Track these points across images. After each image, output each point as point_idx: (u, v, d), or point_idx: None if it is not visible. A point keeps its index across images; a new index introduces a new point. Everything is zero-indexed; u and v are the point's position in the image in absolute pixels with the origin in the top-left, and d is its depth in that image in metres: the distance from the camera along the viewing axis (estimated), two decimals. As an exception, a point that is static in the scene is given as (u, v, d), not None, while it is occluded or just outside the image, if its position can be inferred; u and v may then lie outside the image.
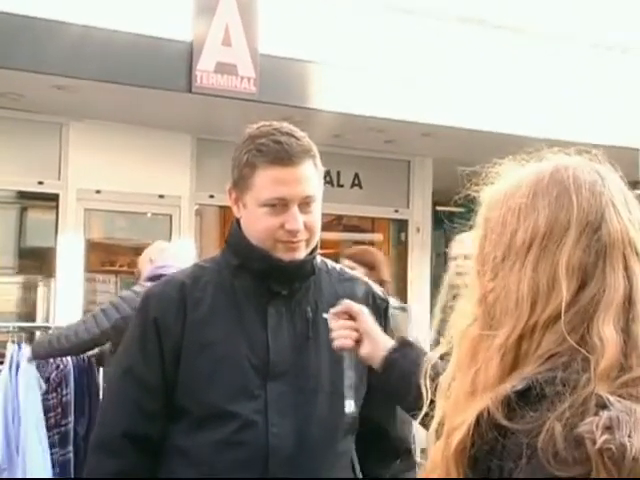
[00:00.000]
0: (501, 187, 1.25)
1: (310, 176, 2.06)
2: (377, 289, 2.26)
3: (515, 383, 1.10)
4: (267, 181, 2.02)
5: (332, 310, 1.98)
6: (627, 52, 8.82)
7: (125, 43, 6.41)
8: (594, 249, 1.15)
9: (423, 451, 7.82)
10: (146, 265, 4.78)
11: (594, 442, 1.00)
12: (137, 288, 4.68)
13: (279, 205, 2.02)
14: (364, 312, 1.97)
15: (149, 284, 4.53)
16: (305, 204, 2.05)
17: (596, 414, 1.03)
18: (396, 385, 1.89)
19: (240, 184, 2.08)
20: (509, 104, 7.97)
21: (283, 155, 2.02)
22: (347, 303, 1.97)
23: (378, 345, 1.92)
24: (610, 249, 1.15)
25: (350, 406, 1.85)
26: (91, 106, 7.24)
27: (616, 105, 8.41)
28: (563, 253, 1.14)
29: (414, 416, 1.44)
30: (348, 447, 2.16)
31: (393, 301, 3.39)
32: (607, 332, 1.10)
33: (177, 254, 4.84)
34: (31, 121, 7.46)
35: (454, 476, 1.12)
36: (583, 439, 1.01)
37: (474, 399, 1.14)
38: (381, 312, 2.15)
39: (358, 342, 1.92)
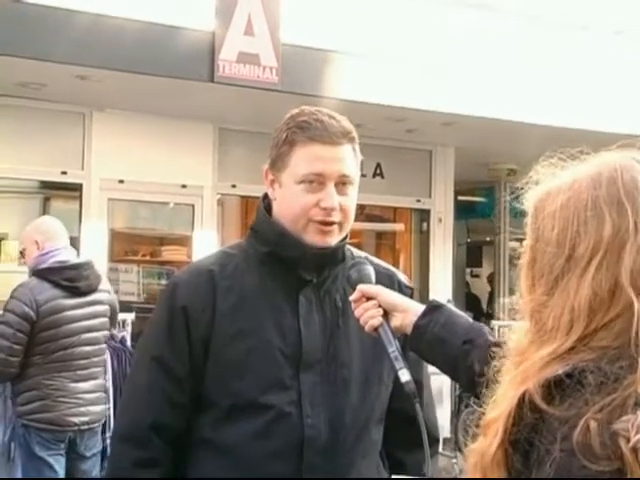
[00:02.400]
0: (551, 196, 1.22)
1: (348, 157, 2.05)
2: (402, 276, 2.25)
3: (559, 367, 1.10)
4: (305, 157, 2.01)
5: (350, 298, 1.96)
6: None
7: (148, 33, 6.43)
8: None
9: (445, 442, 7.82)
10: (32, 247, 4.68)
11: (628, 440, 1.00)
12: (27, 282, 4.66)
13: (316, 182, 2.00)
14: (380, 288, 1.95)
15: (33, 280, 4.59)
16: (342, 184, 2.03)
17: (634, 412, 1.03)
18: (428, 350, 1.87)
19: (278, 163, 2.06)
20: (530, 93, 7.92)
21: (323, 133, 2.01)
22: (360, 287, 1.94)
23: (409, 313, 1.90)
24: None
25: (405, 375, 1.82)
26: (114, 96, 7.27)
27: (637, 93, 8.34)
28: (625, 261, 1.13)
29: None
30: (379, 436, 2.15)
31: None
32: None
33: (58, 232, 4.79)
34: (54, 111, 7.49)
35: (496, 461, 1.12)
36: (618, 436, 1.01)
37: (515, 387, 1.13)
38: None
39: (386, 317, 1.90)
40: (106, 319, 4.86)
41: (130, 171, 7.73)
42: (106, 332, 4.91)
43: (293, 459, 1.97)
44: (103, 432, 5.00)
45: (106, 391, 5.12)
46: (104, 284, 4.97)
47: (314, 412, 1.99)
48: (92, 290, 4.78)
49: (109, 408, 5.19)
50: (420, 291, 9.36)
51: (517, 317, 1.27)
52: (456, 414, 8.48)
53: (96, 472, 4.87)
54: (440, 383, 7.43)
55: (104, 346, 4.94)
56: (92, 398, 4.77)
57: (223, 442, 2.00)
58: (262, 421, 1.97)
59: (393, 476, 2.19)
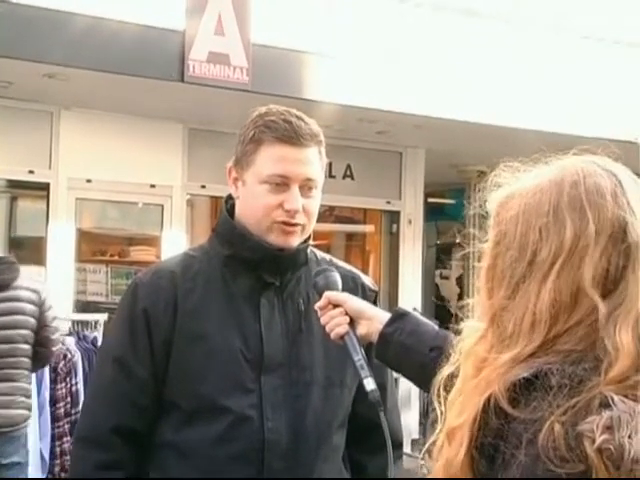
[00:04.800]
0: (513, 199, 1.22)
1: (314, 160, 2.04)
2: (366, 279, 2.24)
3: (523, 370, 1.10)
4: (271, 157, 2.00)
5: (315, 306, 1.95)
6: (633, 46, 8.81)
7: (117, 32, 6.38)
8: (618, 258, 1.14)
9: (413, 443, 7.83)
10: None
11: (593, 441, 1.00)
12: None
13: (280, 183, 2.00)
14: (347, 296, 1.94)
15: None
16: (306, 187, 2.03)
17: (598, 413, 1.03)
18: (395, 358, 1.86)
19: (242, 160, 2.05)
20: (502, 97, 7.96)
21: (291, 134, 2.00)
22: (327, 295, 1.93)
23: (374, 321, 1.89)
24: (634, 256, 1.14)
25: (370, 384, 1.81)
26: (82, 95, 7.21)
27: (615, 98, 8.41)
28: (588, 265, 1.12)
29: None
30: (342, 440, 2.14)
31: None
32: (624, 339, 1.09)
33: None
34: (21, 109, 7.41)
35: (464, 468, 1.11)
36: (583, 437, 1.01)
37: (479, 393, 1.13)
38: (371, 303, 2.10)
39: (352, 324, 1.89)
40: (25, 318, 4.63)
41: (98, 170, 7.67)
42: (24, 331, 4.65)
43: (254, 463, 1.96)
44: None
45: (30, 397, 4.82)
46: (29, 282, 4.78)
47: (275, 416, 1.98)
48: (4, 286, 4.58)
49: (29, 416, 4.85)
50: (389, 292, 9.38)
51: (470, 316, 1.27)
52: (425, 415, 8.51)
53: None
54: (409, 384, 7.44)
55: (26, 347, 4.67)
56: (4, 401, 4.52)
57: (185, 445, 1.99)
58: (223, 424, 1.96)
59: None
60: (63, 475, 5.77)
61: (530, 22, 8.42)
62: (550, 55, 8.34)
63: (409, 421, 8.05)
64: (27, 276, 4.89)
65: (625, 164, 1.22)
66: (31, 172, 7.56)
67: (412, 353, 1.82)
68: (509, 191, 1.24)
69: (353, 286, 2.12)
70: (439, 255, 13.16)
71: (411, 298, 9.23)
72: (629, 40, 8.84)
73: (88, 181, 7.72)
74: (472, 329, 1.24)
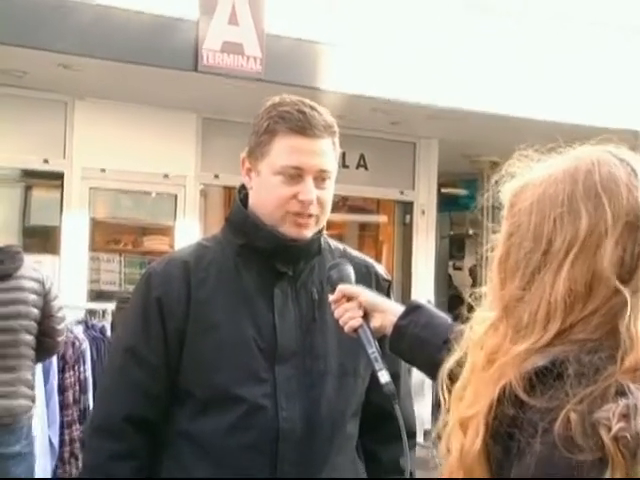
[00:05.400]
0: (527, 189, 1.21)
1: (328, 152, 2.04)
2: (380, 269, 2.23)
3: (539, 359, 1.10)
4: (285, 148, 2.00)
5: (329, 299, 1.95)
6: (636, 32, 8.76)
7: (131, 22, 6.38)
8: (633, 246, 1.13)
9: (425, 433, 7.84)
10: None
11: (609, 429, 1.00)
12: None
13: (294, 175, 2.00)
14: (360, 289, 1.94)
15: None
16: (320, 179, 2.02)
17: (615, 401, 1.03)
18: (409, 351, 1.87)
19: (256, 151, 2.05)
20: (514, 87, 7.94)
21: (305, 125, 1.99)
22: (340, 288, 1.93)
23: (388, 313, 1.89)
24: None
25: (384, 376, 1.81)
26: (96, 85, 7.22)
27: (630, 88, 8.37)
28: (603, 255, 1.12)
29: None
30: (355, 429, 2.14)
31: None
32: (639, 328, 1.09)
33: None
34: (36, 99, 7.43)
35: (480, 458, 1.11)
36: (599, 425, 1.01)
37: (493, 383, 1.13)
38: (384, 292, 2.12)
39: (366, 317, 1.89)
40: (28, 308, 4.59)
41: (112, 160, 7.69)
42: (26, 322, 4.60)
43: (268, 452, 1.97)
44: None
45: (33, 388, 4.76)
46: (34, 272, 4.73)
47: (289, 405, 1.98)
48: (6, 275, 4.55)
49: (31, 407, 4.77)
50: (402, 283, 9.38)
51: (482, 305, 1.27)
52: (437, 406, 8.50)
53: (26, 474, 4.58)
54: (422, 375, 7.43)
55: (29, 337, 4.62)
56: (5, 392, 4.49)
57: (199, 434, 1.99)
58: (237, 414, 1.96)
59: None
60: (72, 461, 5.80)
61: (542, 12, 8.38)
62: (562, 45, 8.30)
63: (422, 411, 8.05)
64: (30, 265, 4.80)
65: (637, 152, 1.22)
66: (45, 161, 7.59)
67: (426, 346, 1.81)
68: (522, 182, 1.23)
69: (367, 275, 2.12)
70: (452, 245, 13.15)
71: (424, 288, 9.22)
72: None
73: (102, 171, 7.74)
74: (481, 318, 1.24)
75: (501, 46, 7.99)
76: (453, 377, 1.25)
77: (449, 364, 1.27)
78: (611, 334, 1.10)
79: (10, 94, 7.27)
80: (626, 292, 1.11)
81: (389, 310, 1.91)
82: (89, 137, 7.59)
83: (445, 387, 1.25)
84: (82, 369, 5.89)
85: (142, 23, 6.42)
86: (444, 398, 1.25)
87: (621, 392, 1.04)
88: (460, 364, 1.25)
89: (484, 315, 1.24)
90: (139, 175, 7.88)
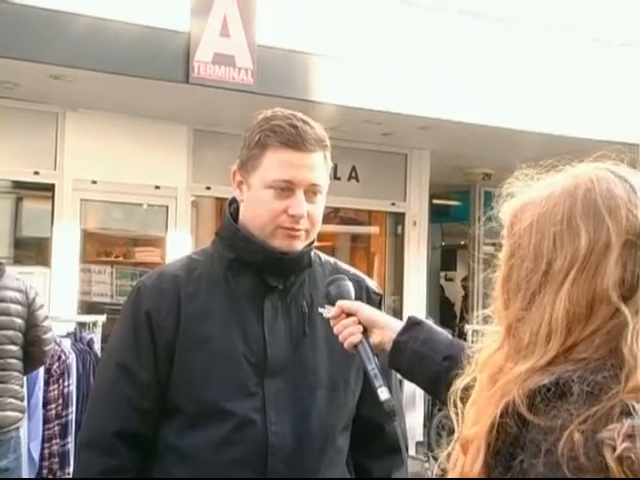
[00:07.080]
0: (527, 209, 1.20)
1: (320, 166, 2.03)
2: (371, 283, 2.22)
3: (543, 378, 1.09)
4: (276, 162, 1.99)
5: (327, 316, 1.94)
6: (628, 45, 8.79)
7: (122, 33, 6.38)
8: (633, 265, 1.12)
9: (417, 445, 7.82)
10: None
11: (614, 449, 0.99)
12: None
13: (285, 189, 1.99)
14: (359, 305, 1.93)
15: None
16: (311, 192, 2.02)
17: (619, 421, 1.02)
18: (408, 367, 1.85)
19: (248, 164, 2.04)
20: (507, 99, 7.95)
21: (297, 139, 1.98)
22: (339, 304, 1.91)
23: (387, 329, 1.88)
24: None
25: (384, 393, 1.80)
26: (88, 96, 7.21)
27: (623, 100, 8.40)
28: (603, 274, 1.11)
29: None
30: (346, 443, 2.13)
31: None
32: None
33: None
34: (27, 110, 7.42)
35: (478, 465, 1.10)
36: (603, 446, 1.00)
37: (494, 403, 1.11)
38: (376, 305, 2.10)
39: (365, 333, 1.88)
40: (10, 318, 4.57)
41: (103, 172, 7.67)
42: (10, 332, 4.59)
43: (257, 467, 1.95)
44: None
45: (22, 399, 4.76)
46: (15, 282, 4.70)
47: (278, 419, 1.97)
48: None
49: (20, 418, 4.78)
50: (394, 294, 9.37)
51: (491, 324, 1.26)
52: (429, 417, 8.49)
53: None
54: (413, 386, 7.43)
55: (14, 348, 4.61)
56: None
57: (188, 449, 1.98)
58: (226, 428, 1.95)
59: None
60: (50, 477, 5.71)
61: (536, 23, 8.41)
62: (556, 58, 8.33)
63: (413, 423, 8.03)
64: (13, 275, 4.77)
65: (635, 167, 1.21)
66: (36, 173, 7.57)
67: (426, 362, 1.80)
68: (522, 201, 1.22)
69: (358, 289, 2.11)
70: (444, 257, 13.16)
71: (416, 300, 9.21)
72: (639, 42, 8.82)
73: (93, 182, 7.72)
74: (489, 341, 1.23)
75: (495, 57, 8.00)
76: (464, 400, 1.23)
77: (458, 387, 1.25)
78: (613, 353, 1.09)
79: (1, 105, 7.25)
80: (627, 312, 1.10)
81: (388, 326, 1.89)
82: (80, 148, 7.57)
83: (458, 410, 1.23)
84: (66, 383, 5.83)
85: (133, 34, 6.41)
86: (457, 422, 1.23)
87: (626, 412, 1.03)
88: (466, 387, 1.23)
89: (492, 336, 1.22)
90: (130, 187, 7.87)
